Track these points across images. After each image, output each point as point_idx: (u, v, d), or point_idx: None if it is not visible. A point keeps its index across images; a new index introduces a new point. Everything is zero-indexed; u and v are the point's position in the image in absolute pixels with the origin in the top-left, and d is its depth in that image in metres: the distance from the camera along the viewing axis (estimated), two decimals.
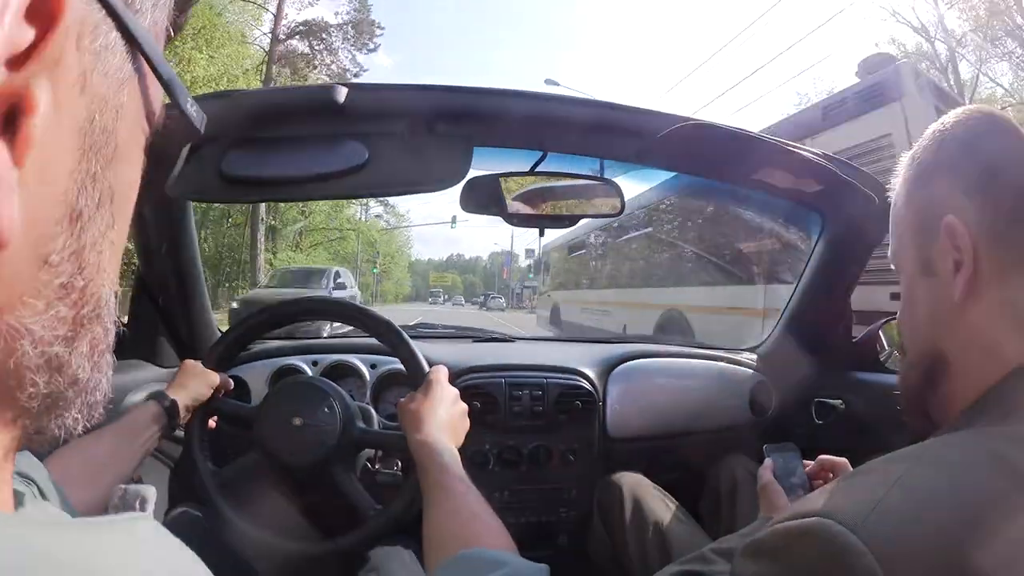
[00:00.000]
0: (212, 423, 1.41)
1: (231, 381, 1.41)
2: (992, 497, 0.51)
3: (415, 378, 1.29)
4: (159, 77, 0.37)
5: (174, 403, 1.22)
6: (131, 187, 0.37)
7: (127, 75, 0.34)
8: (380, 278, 46.74)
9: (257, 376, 1.71)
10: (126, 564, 0.30)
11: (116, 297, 0.38)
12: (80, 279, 0.32)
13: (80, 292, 0.32)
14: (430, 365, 1.28)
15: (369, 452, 1.44)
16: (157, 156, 0.41)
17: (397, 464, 1.45)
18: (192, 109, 0.42)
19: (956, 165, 0.71)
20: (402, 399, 1.19)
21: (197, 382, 1.30)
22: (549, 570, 0.73)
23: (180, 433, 1.31)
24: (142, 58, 0.35)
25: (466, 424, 1.20)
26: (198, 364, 1.34)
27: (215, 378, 1.34)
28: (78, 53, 0.30)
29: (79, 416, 0.35)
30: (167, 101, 0.40)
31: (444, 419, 1.12)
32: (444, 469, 0.97)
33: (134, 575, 0.30)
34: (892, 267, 0.81)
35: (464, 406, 1.21)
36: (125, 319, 1.66)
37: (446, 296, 78.31)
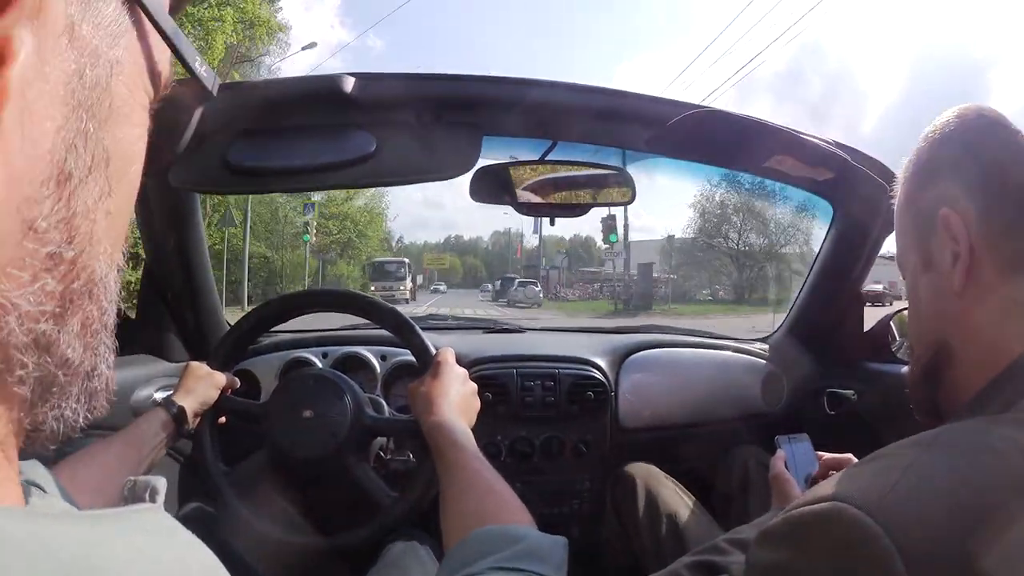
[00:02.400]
0: (222, 420, 1.40)
1: (237, 380, 1.40)
2: (1007, 482, 0.52)
3: (423, 363, 1.29)
4: (160, 32, 0.35)
5: (182, 409, 1.22)
6: (132, 152, 0.35)
7: (123, 28, 0.32)
8: (329, 256, 31.29)
9: (267, 369, 1.71)
10: (135, 554, 0.29)
11: (119, 272, 0.36)
12: (70, 250, 0.30)
13: (70, 264, 0.30)
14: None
15: (381, 441, 1.44)
16: (166, 129, 0.40)
17: (409, 455, 1.45)
18: (202, 69, 0.40)
19: (954, 162, 0.73)
20: (412, 383, 1.19)
21: (203, 385, 1.29)
22: (567, 543, 0.73)
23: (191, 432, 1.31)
24: (140, 10, 0.33)
25: (477, 403, 1.21)
26: (203, 366, 1.33)
27: (221, 379, 1.33)
28: (65, 1, 0.28)
29: (78, 407, 0.33)
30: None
31: (455, 399, 1.13)
32: (458, 448, 0.97)
33: (143, 564, 0.29)
34: (900, 270, 0.82)
35: (474, 385, 1.22)
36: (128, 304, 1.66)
37: (424, 279, 50.39)
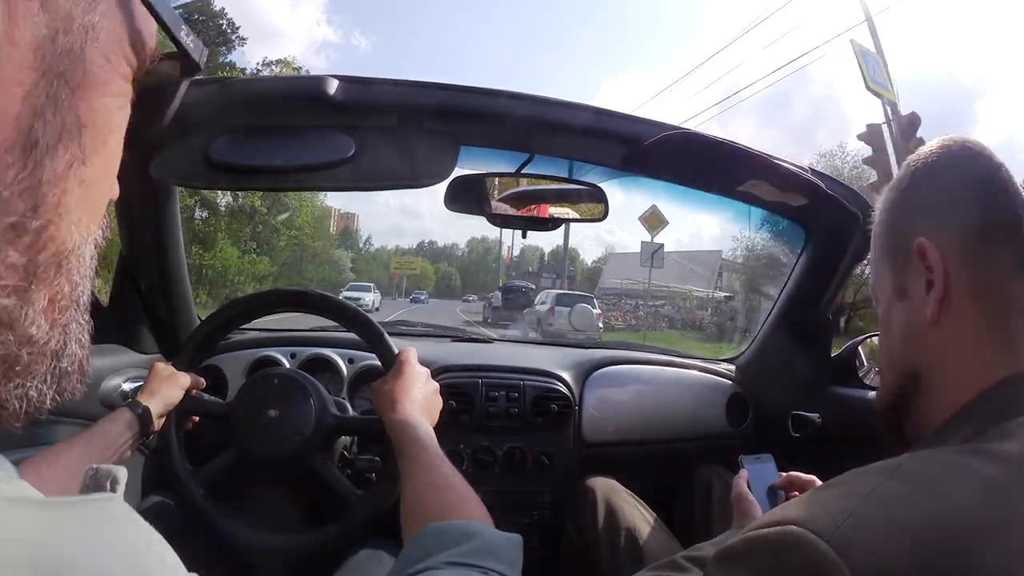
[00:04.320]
0: (190, 424, 1.40)
1: (202, 380, 1.39)
2: (967, 512, 0.51)
3: (387, 363, 1.30)
4: None
5: (147, 410, 1.21)
6: (110, 122, 0.34)
7: None
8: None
9: (235, 366, 1.70)
10: (94, 542, 0.29)
11: (97, 247, 0.35)
12: (35, 219, 0.29)
13: (35, 235, 0.30)
14: None
15: (346, 441, 1.45)
16: (150, 104, 0.38)
17: (373, 455, 1.45)
18: (188, 40, 0.38)
19: (936, 193, 0.73)
20: (376, 382, 1.20)
21: (168, 385, 1.28)
22: (522, 540, 0.75)
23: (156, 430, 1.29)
24: None
25: (439, 402, 1.21)
26: (167, 367, 1.32)
27: (186, 379, 1.33)
28: None
29: (45, 387, 0.32)
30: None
31: (418, 398, 1.14)
32: (419, 445, 0.98)
33: (101, 553, 0.29)
34: (872, 300, 0.82)
35: (436, 384, 1.23)
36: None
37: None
